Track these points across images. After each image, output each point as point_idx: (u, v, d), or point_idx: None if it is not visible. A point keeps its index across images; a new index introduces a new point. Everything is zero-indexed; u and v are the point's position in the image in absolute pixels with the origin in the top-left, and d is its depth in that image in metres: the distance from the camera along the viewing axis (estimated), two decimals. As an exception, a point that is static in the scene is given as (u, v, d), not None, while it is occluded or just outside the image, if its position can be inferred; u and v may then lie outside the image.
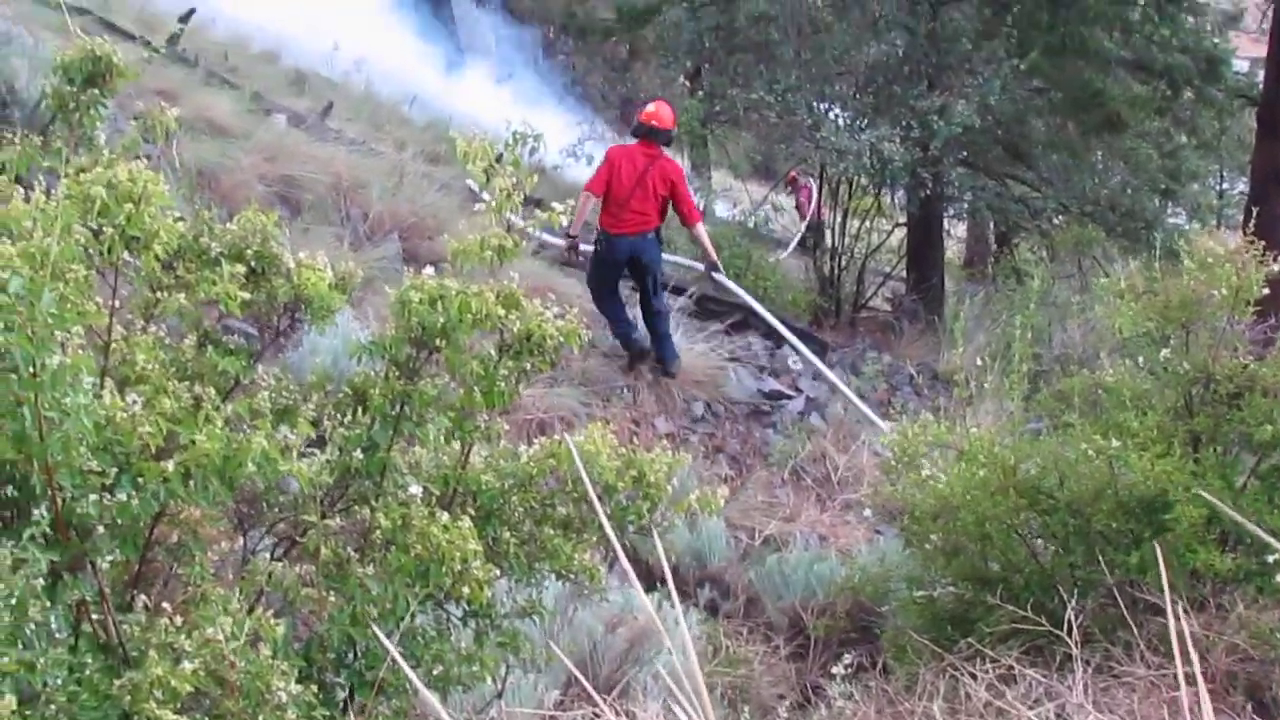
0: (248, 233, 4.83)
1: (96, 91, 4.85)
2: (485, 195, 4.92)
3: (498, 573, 4.73)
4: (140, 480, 3.85)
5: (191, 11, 18.16)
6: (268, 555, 4.85)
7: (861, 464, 11.66)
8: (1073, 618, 5.58)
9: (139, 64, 5.15)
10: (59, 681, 3.68)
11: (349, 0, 28.63)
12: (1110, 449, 6.45)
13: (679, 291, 14.08)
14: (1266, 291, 6.67)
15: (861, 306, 18.50)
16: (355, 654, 4.63)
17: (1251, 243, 6.60)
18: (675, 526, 5.68)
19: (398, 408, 4.76)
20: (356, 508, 4.80)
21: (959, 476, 7.10)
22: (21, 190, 4.04)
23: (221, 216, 5.11)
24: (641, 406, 11.87)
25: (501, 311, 4.72)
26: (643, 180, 11.96)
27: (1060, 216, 19.59)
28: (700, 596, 9.19)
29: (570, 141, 19.36)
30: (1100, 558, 6.42)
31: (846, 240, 18.22)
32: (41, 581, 3.61)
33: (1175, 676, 4.60)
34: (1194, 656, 2.45)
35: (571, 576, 5.19)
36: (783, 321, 14.72)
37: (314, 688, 4.18)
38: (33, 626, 3.58)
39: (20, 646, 3.56)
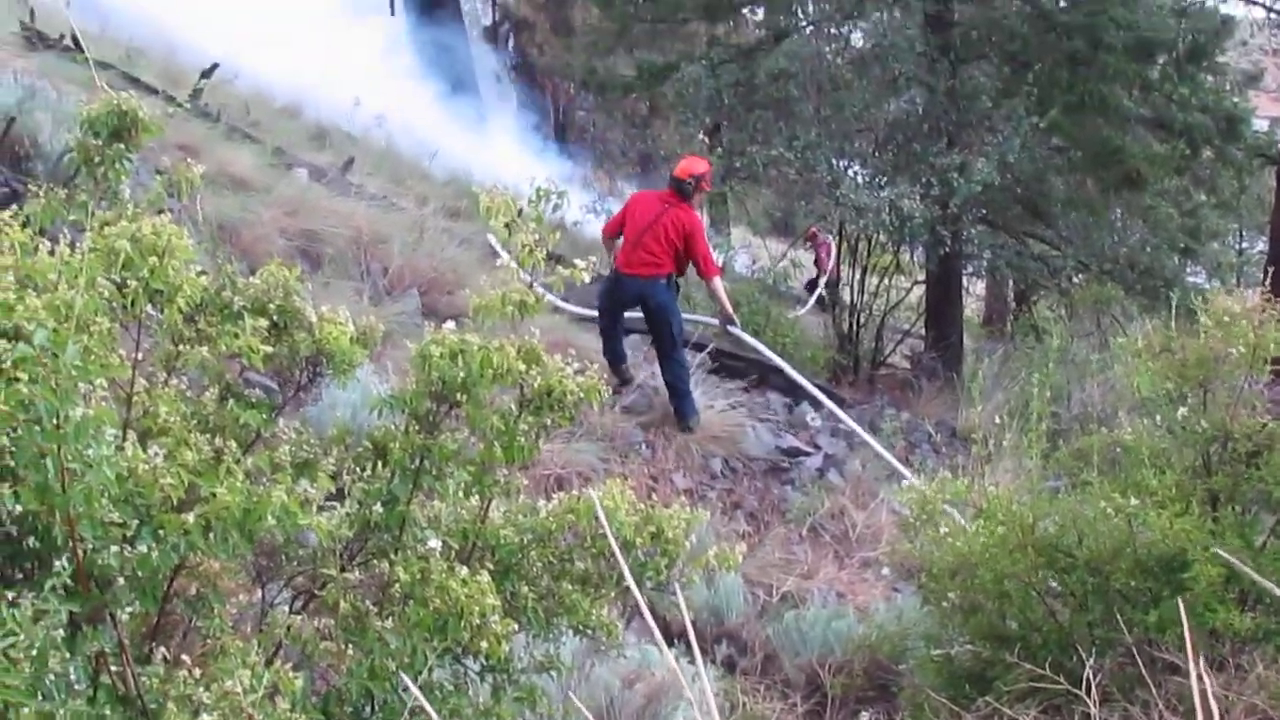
0: (270, 287, 4.86)
1: (121, 146, 4.89)
2: (505, 253, 4.96)
3: (516, 627, 4.72)
4: (161, 532, 3.86)
5: (214, 67, 18.28)
6: (286, 608, 4.85)
7: (880, 521, 11.62)
8: (1091, 677, 5.55)
9: (163, 118, 5.18)
10: (78, 733, 3.68)
11: (370, 56, 28.86)
12: (1129, 507, 6.44)
13: (699, 348, 14.10)
14: (1285, 349, 6.67)
15: (880, 364, 18.49)
16: (373, 707, 4.62)
17: (1269, 301, 6.60)
18: (693, 582, 5.67)
19: (417, 462, 4.78)
20: (375, 561, 4.81)
21: (977, 534, 7.09)
22: (46, 243, 4.06)
23: (243, 270, 5.15)
24: (660, 462, 11.87)
25: (522, 367, 4.74)
26: (655, 224, 12.11)
27: (1079, 275, 19.59)
28: (717, 653, 9.16)
29: (590, 198, 19.45)
30: (1119, 616, 6.40)
31: (865, 297, 18.24)
32: (61, 633, 3.61)
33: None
34: (1214, 716, 2.45)
35: (589, 632, 5.18)
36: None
37: (331, 741, 4.18)
38: (52, 677, 3.58)
39: (39, 697, 3.56)
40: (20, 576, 3.89)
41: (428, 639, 4.41)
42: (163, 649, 4.11)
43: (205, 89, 17.04)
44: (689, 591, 8.42)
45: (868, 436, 13.25)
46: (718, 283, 13.02)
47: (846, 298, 18.57)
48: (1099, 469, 7.32)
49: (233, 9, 25.22)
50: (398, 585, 4.54)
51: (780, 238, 28.20)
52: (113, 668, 4.00)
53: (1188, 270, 20.47)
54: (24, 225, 4.15)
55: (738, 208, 27.22)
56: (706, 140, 23.67)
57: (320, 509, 4.30)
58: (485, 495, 5.01)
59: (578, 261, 5.01)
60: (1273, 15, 21.53)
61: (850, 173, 17.96)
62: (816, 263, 24.79)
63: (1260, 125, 20.55)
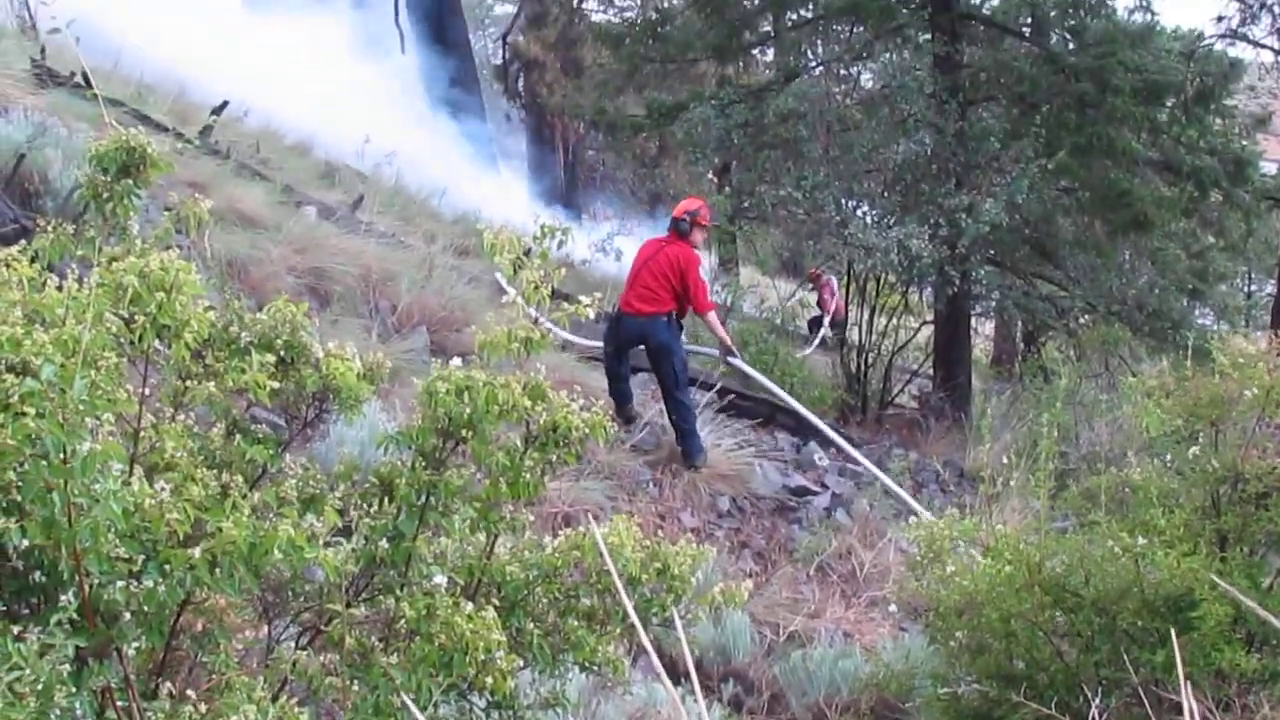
0: (278, 323, 4.87)
1: (130, 182, 4.90)
2: (510, 290, 4.97)
3: (521, 664, 4.72)
4: (167, 567, 3.86)
5: (224, 104, 18.32)
6: (292, 644, 4.85)
7: (887, 561, 11.61)
8: (1098, 717, 5.54)
9: (172, 155, 5.20)
10: (83, 768, 3.68)
11: (380, 94, 28.96)
12: (1136, 547, 6.43)
13: (707, 387, 14.11)
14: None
15: (888, 403, 18.50)
16: (378, 744, 4.62)
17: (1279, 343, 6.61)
18: (699, 620, 5.67)
19: (424, 498, 4.78)
20: (381, 597, 4.80)
21: (984, 573, 7.08)
22: (54, 278, 4.08)
23: (251, 307, 5.15)
24: (667, 501, 11.87)
25: (528, 403, 4.75)
26: (651, 261, 12.29)
27: (1087, 316, 19.58)
28: (724, 692, 9.13)
29: (599, 237, 19.49)
30: (1126, 656, 6.38)
31: (874, 337, 18.25)
32: (67, 667, 3.61)
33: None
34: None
35: (595, 668, 5.18)
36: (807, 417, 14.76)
37: (337, 777, 4.18)
38: (58, 712, 3.57)
39: (45, 732, 3.56)
40: (26, 611, 3.89)
41: (433, 675, 4.41)
42: (169, 684, 4.10)
43: (215, 126, 17.08)
44: (695, 629, 8.41)
45: (869, 464, 13.27)
46: (712, 316, 13.18)
47: (855, 338, 18.57)
48: (1107, 509, 7.31)
49: (243, 47, 25.34)
50: (403, 621, 4.54)
51: (789, 277, 28.25)
52: (119, 703, 4.00)
53: (1196, 312, 20.48)
54: (32, 260, 4.17)
55: (746, 248, 27.24)
56: (715, 180, 23.75)
57: (326, 544, 4.30)
58: (491, 531, 5.01)
59: (583, 298, 5.02)
60: (1281, 58, 21.57)
61: (859, 213, 18.02)
62: (820, 303, 24.84)
63: (1268, 168, 20.57)
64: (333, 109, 25.57)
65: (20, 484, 3.58)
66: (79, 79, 14.67)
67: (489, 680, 4.43)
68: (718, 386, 14.31)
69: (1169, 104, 17.91)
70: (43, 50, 15.96)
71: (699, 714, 5.62)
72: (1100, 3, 18.40)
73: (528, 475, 4.87)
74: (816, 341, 22.86)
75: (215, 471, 4.36)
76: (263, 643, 4.93)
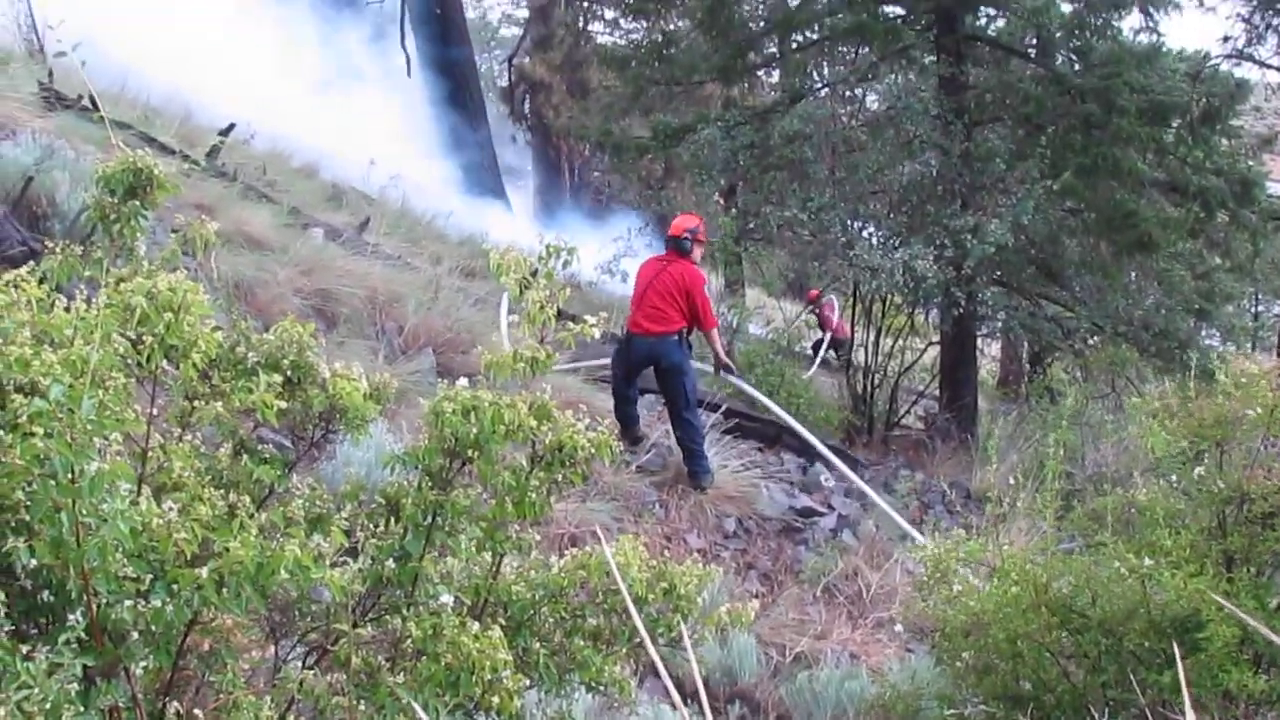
0: (284, 343, 4.89)
1: (137, 203, 4.92)
2: (513, 318, 4.98)
3: (528, 683, 4.73)
4: (175, 587, 3.87)
5: (231, 126, 18.38)
6: (299, 664, 4.86)
7: (894, 582, 11.60)
8: (1105, 737, 5.54)
9: (179, 177, 5.22)
10: (90, 787, 3.69)
11: (386, 116, 29.01)
12: (1143, 568, 6.42)
13: (713, 408, 14.11)
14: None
15: (894, 424, 18.48)
16: (385, 763, 4.61)
17: (1286, 363, 6.62)
18: (705, 640, 5.67)
19: (430, 518, 4.79)
20: (388, 617, 4.81)
21: (991, 593, 7.08)
22: (63, 300, 4.09)
23: (258, 328, 5.16)
24: (674, 522, 11.86)
25: (534, 423, 4.76)
26: (655, 282, 12.27)
27: (1093, 336, 19.56)
28: (730, 713, 9.12)
29: (605, 258, 19.49)
30: (1132, 677, 6.37)
31: (879, 358, 18.25)
32: (75, 686, 3.62)
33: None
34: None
35: (601, 688, 5.18)
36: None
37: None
38: (65, 731, 3.59)
39: (52, 751, 3.57)
40: (35, 630, 3.90)
41: (440, 695, 4.41)
42: (176, 704, 4.11)
43: (222, 149, 17.12)
44: (701, 650, 8.41)
45: (869, 489, 13.26)
46: (714, 334, 13.19)
47: (861, 359, 18.56)
48: (1113, 529, 7.31)
49: (250, 70, 25.40)
50: (410, 641, 4.54)
51: (795, 299, 28.25)
52: (126, 722, 4.01)
53: (1202, 333, 20.44)
54: (40, 282, 4.19)
55: (752, 269, 27.26)
56: (721, 201, 23.74)
57: (333, 564, 4.30)
58: (497, 551, 5.02)
59: (588, 318, 5.03)
60: (1287, 79, 21.61)
61: (864, 234, 18.01)
62: (822, 324, 24.88)
63: (1275, 189, 20.54)
64: (339, 132, 25.63)
65: (29, 503, 3.60)
66: (86, 102, 14.72)
67: (495, 700, 4.44)
68: (724, 408, 14.31)
69: (1175, 125, 17.89)
70: (50, 74, 16.01)
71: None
72: (1106, 24, 18.41)
73: (533, 495, 4.88)
74: (818, 361, 22.89)
75: (222, 491, 4.38)
76: (269, 662, 4.93)
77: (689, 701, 8.12)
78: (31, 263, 4.39)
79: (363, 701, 4.48)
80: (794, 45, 21.39)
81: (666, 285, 12.27)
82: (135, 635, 3.86)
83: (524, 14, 45.88)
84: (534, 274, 4.95)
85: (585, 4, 39.92)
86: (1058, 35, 18.75)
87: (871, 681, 9.35)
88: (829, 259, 17.83)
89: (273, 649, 5.00)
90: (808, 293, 25.08)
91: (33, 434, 3.53)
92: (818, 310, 24.90)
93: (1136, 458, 12.64)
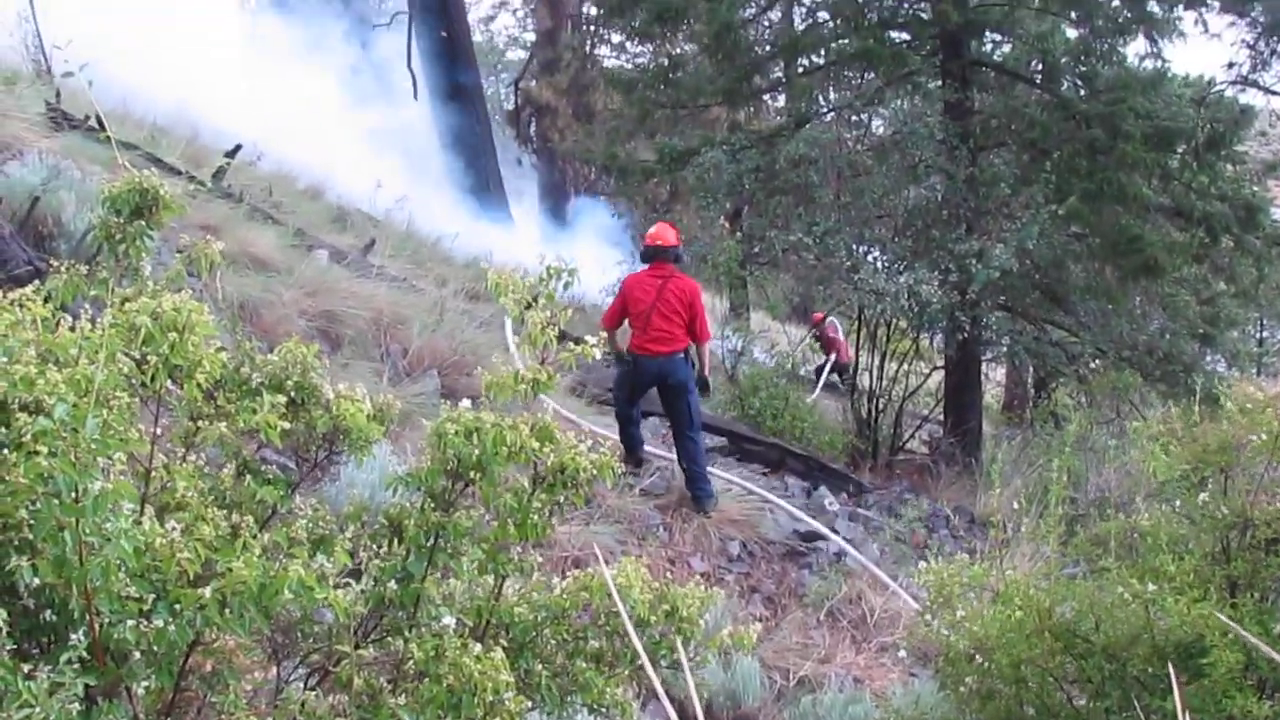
0: (288, 364, 4.90)
1: (143, 224, 4.94)
2: (514, 340, 5.01)
3: (529, 705, 4.72)
4: (177, 607, 3.87)
5: (237, 148, 18.41)
6: (301, 685, 4.85)
7: (898, 606, 11.59)
8: (1108, 762, 5.53)
9: (185, 198, 5.23)
10: (91, 807, 3.68)
11: (392, 139, 29.06)
12: (1147, 593, 6.41)
13: (715, 431, 14.10)
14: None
15: (899, 449, 18.47)
16: (387, 785, 4.61)
17: (1290, 387, 6.61)
18: (708, 663, 5.66)
19: (433, 539, 4.79)
20: (390, 638, 4.81)
21: (995, 618, 7.07)
22: (68, 319, 4.10)
23: (262, 350, 5.17)
24: (677, 545, 11.85)
25: (536, 444, 4.76)
26: (660, 300, 12.16)
27: (1097, 361, 19.56)
28: (734, 737, 9.12)
29: (610, 281, 19.52)
30: (1136, 703, 6.36)
31: (884, 383, 18.24)
32: (77, 706, 3.62)
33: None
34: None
35: (603, 710, 5.17)
36: (818, 463, 14.79)
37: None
38: (66, 750, 3.59)
39: (54, 770, 3.56)
40: (37, 650, 3.90)
41: (441, 716, 4.40)
42: (177, 724, 4.12)
43: (228, 170, 17.15)
44: (704, 673, 8.40)
45: (773, 496, 13.27)
46: (706, 347, 13.08)
47: (865, 383, 18.55)
48: (1117, 554, 7.30)
49: (256, 92, 25.45)
50: (412, 662, 4.54)
51: (800, 323, 28.28)
52: (127, 742, 4.00)
53: (1207, 358, 20.44)
54: (46, 301, 4.19)
55: (757, 293, 27.27)
56: (727, 225, 23.78)
57: (336, 585, 4.30)
58: (499, 573, 5.02)
59: (588, 338, 5.04)
60: (1292, 105, 21.63)
61: (869, 258, 18.04)
62: (823, 346, 24.93)
63: (1279, 214, 20.56)
64: (345, 153, 25.66)
65: (32, 522, 3.61)
66: (93, 123, 14.75)
67: (497, 721, 4.44)
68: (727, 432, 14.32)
69: (1180, 150, 17.91)
70: (57, 94, 16.05)
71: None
72: (1111, 50, 18.45)
73: (536, 517, 4.89)
74: (820, 384, 22.93)
75: (226, 512, 4.38)
76: (271, 683, 4.93)
77: (691, 724, 8.11)
78: (37, 282, 4.40)
79: (364, 723, 4.48)
80: (800, 70, 21.47)
81: (672, 304, 12.20)
82: (137, 655, 3.87)
83: (530, 37, 45.99)
84: (535, 296, 4.96)
85: (592, 28, 40.00)
86: (1063, 61, 18.81)
87: (875, 706, 9.34)
88: (834, 283, 17.86)
89: (275, 670, 5.00)
90: (813, 316, 25.12)
91: (37, 453, 3.53)
92: (821, 333, 24.95)
93: (1139, 482, 12.64)
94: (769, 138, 20.40)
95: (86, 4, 21.46)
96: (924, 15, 18.92)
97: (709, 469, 12.73)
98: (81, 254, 9.40)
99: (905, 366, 18.63)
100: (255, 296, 12.34)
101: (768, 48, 22.39)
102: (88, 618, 3.73)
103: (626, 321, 12.39)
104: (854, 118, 21.20)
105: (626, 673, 5.16)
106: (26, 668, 3.54)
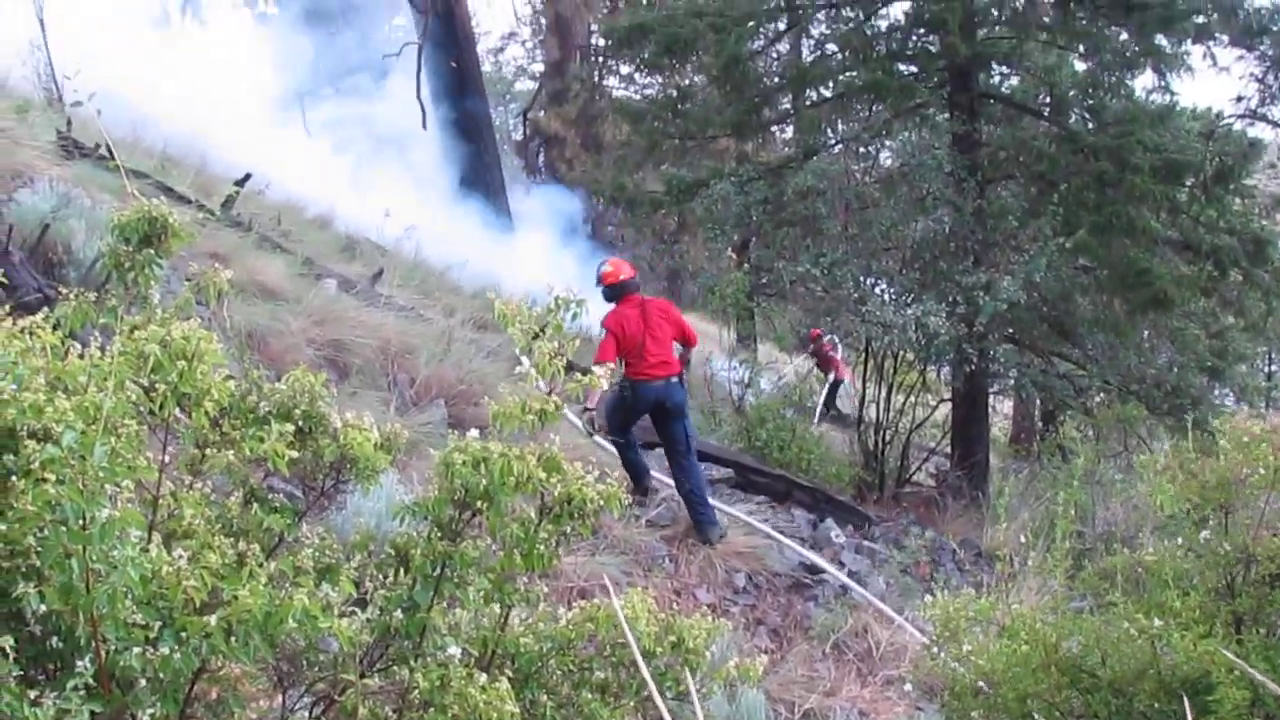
0: (296, 393, 4.91)
1: (152, 252, 4.95)
2: (525, 361, 5.01)
3: (535, 735, 4.72)
4: (183, 634, 3.88)
5: (247, 177, 18.45)
6: (306, 713, 4.85)
7: (904, 639, 11.56)
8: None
9: (194, 226, 5.25)
10: (96, 833, 3.68)
11: (401, 168, 29.11)
12: (1153, 629, 6.40)
13: (722, 462, 14.09)
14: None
15: (906, 481, 18.43)
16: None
17: (1294, 422, 6.58)
18: (714, 695, 5.66)
19: (439, 569, 4.79)
20: (396, 667, 4.81)
21: (1001, 652, 7.05)
22: (77, 346, 4.11)
23: (270, 378, 5.18)
24: (683, 576, 11.83)
25: (543, 475, 4.77)
26: (648, 327, 12.23)
27: (1104, 394, 19.54)
28: (738, 770, 9.09)
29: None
30: (1142, 738, 6.35)
31: (891, 415, 18.22)
32: (82, 732, 3.63)
33: None
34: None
35: (608, 742, 5.17)
36: (824, 495, 14.78)
37: None
38: (71, 777, 3.59)
39: (58, 797, 3.57)
40: (43, 676, 3.90)
41: (446, 746, 4.41)
42: (182, 752, 4.12)
43: (237, 199, 17.19)
44: (709, 704, 8.38)
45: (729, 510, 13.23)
46: (694, 350, 13.33)
47: (872, 415, 18.53)
48: (1123, 589, 7.29)
49: (266, 120, 25.53)
50: (417, 692, 4.54)
51: (806, 354, 28.28)
52: (132, 769, 4.00)
53: (1215, 392, 20.40)
54: (55, 328, 4.21)
55: (764, 324, 27.26)
56: (734, 256, 23.79)
57: (342, 614, 4.31)
58: (506, 603, 5.02)
59: (595, 369, 5.05)
60: (1301, 139, 21.63)
61: (877, 290, 18.02)
62: (821, 364, 24.97)
63: (1288, 249, 20.54)
64: (354, 183, 25.72)
65: (39, 549, 3.62)
66: (103, 151, 14.79)
67: (502, 752, 4.43)
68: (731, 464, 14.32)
69: (1188, 183, 17.89)
70: (68, 123, 16.09)
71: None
72: (1119, 83, 18.47)
73: (542, 547, 4.89)
74: (820, 407, 22.96)
75: (232, 540, 4.39)
76: (276, 712, 4.93)
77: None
78: (46, 309, 4.41)
79: (369, 752, 4.48)
80: (808, 101, 21.46)
81: (659, 324, 12.28)
82: (143, 682, 3.87)
83: (539, 68, 46.14)
84: (543, 326, 4.97)
85: (600, 59, 40.11)
86: (1071, 94, 18.82)
87: (880, 739, 9.32)
88: (841, 315, 17.84)
89: (280, 698, 5.00)
90: (810, 332, 25.14)
91: (45, 480, 3.55)
92: (818, 348, 25.00)
93: (1145, 516, 12.62)
94: (777, 169, 20.41)
95: (97, 34, 21.56)
96: (932, 48, 18.93)
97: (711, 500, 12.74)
98: (91, 281, 9.43)
99: (912, 399, 18.60)
100: (263, 325, 12.35)
101: (776, 79, 22.38)
102: (94, 644, 3.74)
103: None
104: (862, 150, 21.20)
105: (632, 704, 5.16)
106: (33, 694, 3.55)
